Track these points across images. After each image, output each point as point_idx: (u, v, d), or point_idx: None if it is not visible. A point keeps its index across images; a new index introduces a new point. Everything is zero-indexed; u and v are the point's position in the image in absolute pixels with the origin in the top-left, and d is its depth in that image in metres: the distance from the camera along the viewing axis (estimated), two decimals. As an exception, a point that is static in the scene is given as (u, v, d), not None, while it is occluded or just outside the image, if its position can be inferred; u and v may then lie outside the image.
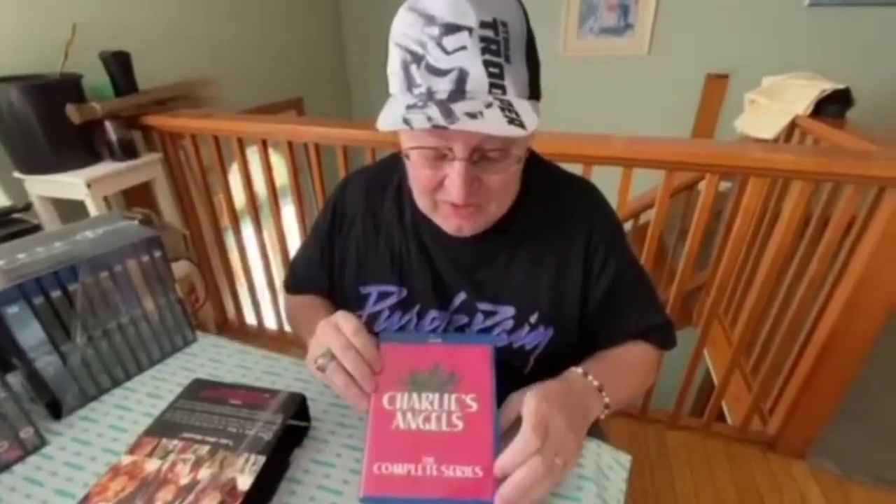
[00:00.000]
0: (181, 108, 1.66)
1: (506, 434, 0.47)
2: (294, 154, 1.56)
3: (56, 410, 0.56)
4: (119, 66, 1.52)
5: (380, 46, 0.50)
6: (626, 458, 0.56)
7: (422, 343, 0.55)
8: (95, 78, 1.49)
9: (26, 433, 0.51)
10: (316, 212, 0.83)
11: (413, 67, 0.45)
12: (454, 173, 0.49)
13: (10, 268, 0.52)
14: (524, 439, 0.43)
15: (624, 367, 0.63)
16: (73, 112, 1.36)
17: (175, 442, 0.46)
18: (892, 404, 1.69)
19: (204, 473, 0.43)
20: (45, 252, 0.55)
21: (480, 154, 0.48)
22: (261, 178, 1.66)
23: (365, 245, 0.66)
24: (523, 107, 0.45)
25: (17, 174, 1.41)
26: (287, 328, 2.02)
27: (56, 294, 0.53)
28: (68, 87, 1.39)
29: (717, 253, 1.99)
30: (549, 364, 0.63)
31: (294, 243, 1.75)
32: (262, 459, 0.44)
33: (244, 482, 0.42)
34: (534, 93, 0.48)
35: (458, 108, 0.43)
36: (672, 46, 2.56)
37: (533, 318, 0.61)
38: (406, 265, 0.64)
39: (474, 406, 0.49)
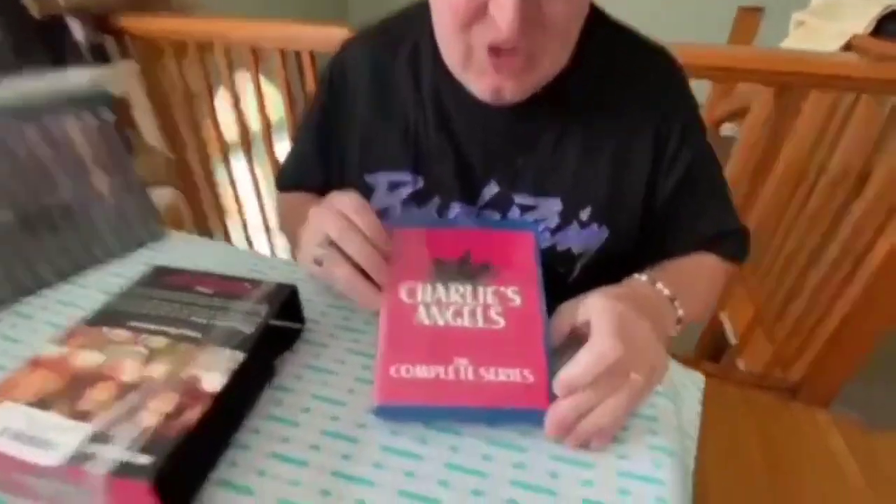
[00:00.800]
0: (157, 10, 1.46)
1: (559, 353, 0.36)
2: (288, 68, 1.38)
3: (-20, 303, 0.44)
4: (83, -45, 1.32)
5: None
6: (699, 377, 0.45)
7: (445, 228, 0.42)
8: (56, -33, 1.29)
9: (-67, 325, 0.39)
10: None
11: None
12: None
13: None
14: (600, 345, 0.31)
15: (695, 278, 0.51)
16: (31, 3, 1.18)
17: (121, 331, 0.34)
18: (919, 356, 1.61)
19: (157, 370, 0.31)
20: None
21: None
22: (254, 108, 1.49)
23: (371, 123, 0.53)
24: None
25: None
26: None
27: (-38, 146, 0.39)
28: (24, -25, 1.20)
29: (744, 200, 1.86)
30: (599, 273, 0.51)
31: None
32: (239, 356, 0.33)
33: (212, 382, 0.30)
34: None
35: None
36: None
37: (584, 215, 0.49)
38: (423, 147, 0.51)
39: (517, 300, 0.37)
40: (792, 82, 0.99)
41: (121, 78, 1.38)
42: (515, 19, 0.35)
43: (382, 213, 0.53)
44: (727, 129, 2.05)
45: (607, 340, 0.31)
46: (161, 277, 0.40)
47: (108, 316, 0.36)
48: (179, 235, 0.58)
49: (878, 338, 1.29)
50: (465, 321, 0.36)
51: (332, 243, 0.37)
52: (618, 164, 0.48)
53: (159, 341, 0.33)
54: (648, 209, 0.50)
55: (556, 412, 0.32)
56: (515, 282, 0.38)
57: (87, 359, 0.32)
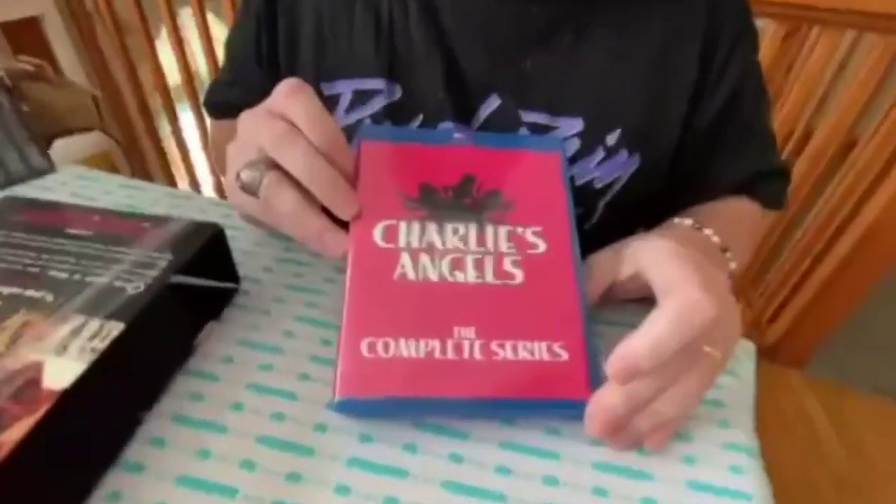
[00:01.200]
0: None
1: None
2: (236, 2, 1.18)
3: None
4: None
5: None
6: (749, 346, 0.36)
7: (437, 143, 0.30)
8: None
9: None
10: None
11: None
12: None
13: None
14: (686, 302, 0.21)
15: (740, 225, 0.42)
16: None
17: (-82, 294, 0.21)
18: (890, 316, 1.65)
19: (-33, 354, 0.19)
20: None
21: None
22: (200, 51, 1.28)
23: (330, 13, 0.39)
24: None
25: None
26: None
27: None
28: None
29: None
30: (624, 216, 0.41)
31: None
32: (114, 329, 0.20)
33: (62, 372, 0.18)
34: None
35: None
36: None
37: (611, 139, 0.38)
38: (400, 44, 0.38)
39: (540, 245, 0.27)
40: (803, 16, 0.90)
41: (28, -4, 1.15)
42: None
43: (347, 133, 0.40)
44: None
45: (694, 293, 0.21)
46: (13, 213, 0.27)
47: None
48: (78, 170, 0.44)
49: (858, 300, 1.28)
50: (469, 275, 0.25)
51: (270, 163, 0.25)
52: (657, 72, 0.37)
53: (-16, 307, 0.21)
54: (689, 133, 0.40)
55: (603, 404, 0.22)
56: (537, 219, 0.27)
57: None
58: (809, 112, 1.19)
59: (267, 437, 0.23)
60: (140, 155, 1.64)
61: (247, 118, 0.27)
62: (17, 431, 0.16)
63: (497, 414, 0.24)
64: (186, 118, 1.50)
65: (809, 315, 1.34)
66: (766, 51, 0.94)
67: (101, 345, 0.20)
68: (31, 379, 0.18)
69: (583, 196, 0.39)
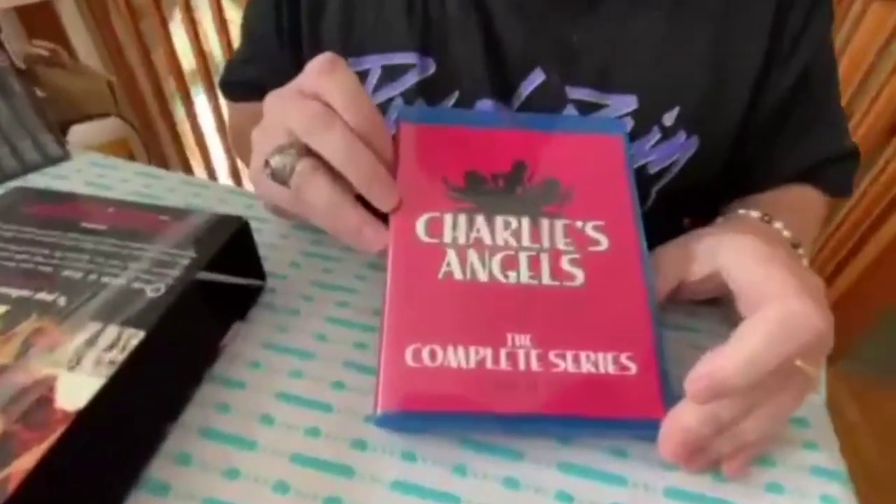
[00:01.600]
0: None
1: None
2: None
3: None
4: None
5: None
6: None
7: (484, 126, 0.27)
8: None
9: None
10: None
11: None
12: None
13: None
14: (786, 311, 0.18)
15: (806, 218, 0.39)
16: None
17: (-78, 296, 0.19)
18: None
19: (-25, 366, 0.17)
20: None
21: None
22: (214, 35, 1.24)
23: None
24: None
25: None
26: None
27: None
28: None
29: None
30: (679, 202, 0.38)
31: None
32: (133, 337, 0.18)
33: (76, 391, 0.16)
34: None
35: None
36: None
37: (669, 119, 0.34)
38: (435, 17, 0.35)
39: (603, 242, 0.24)
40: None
41: (42, -21, 1.13)
42: None
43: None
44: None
45: (797, 304, 0.18)
46: (25, 205, 0.25)
47: (-89, 267, 0.21)
48: (94, 157, 0.42)
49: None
50: (523, 275, 0.22)
51: (303, 148, 0.22)
52: (721, 43, 0.34)
53: (-8, 312, 0.19)
54: (750, 115, 0.36)
55: (680, 423, 0.19)
56: (598, 212, 0.24)
57: None
58: (851, 91, 1.12)
59: (300, 456, 0.21)
60: (156, 140, 1.63)
61: (274, 99, 0.24)
62: (29, 460, 0.14)
63: (556, 433, 0.22)
64: (200, 101, 1.48)
65: (844, 306, 1.29)
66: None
67: (119, 356, 0.17)
68: (42, 397, 0.16)
69: (637, 180, 0.36)
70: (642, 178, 0.36)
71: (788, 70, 0.35)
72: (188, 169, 1.67)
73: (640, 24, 0.33)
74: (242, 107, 0.45)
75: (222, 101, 1.43)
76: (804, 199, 0.40)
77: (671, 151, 0.35)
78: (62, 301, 0.19)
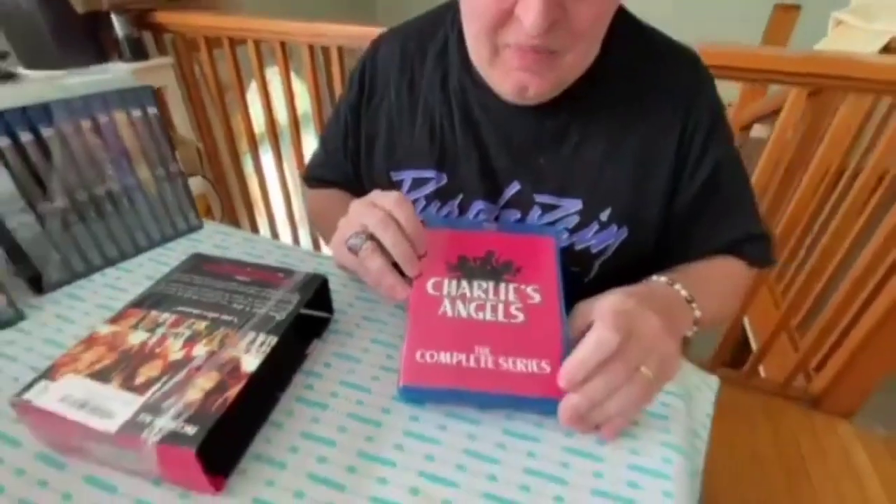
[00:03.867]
0: (193, 7, 1.51)
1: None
2: (315, 63, 1.41)
3: (37, 284, 0.47)
4: (126, -47, 1.37)
5: None
6: (714, 380, 0.46)
7: (472, 229, 0.44)
8: (100, -35, 1.34)
9: (-2, 302, 0.43)
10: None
11: None
12: None
13: (-30, 103, 0.42)
14: (597, 335, 0.32)
15: (716, 281, 0.51)
16: (76, 0, 1.24)
17: (167, 315, 0.37)
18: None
19: (199, 350, 0.34)
20: (17, 92, 0.45)
21: None
22: (281, 102, 1.52)
23: (399, 119, 0.54)
24: None
25: (21, 70, 1.31)
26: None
27: (27, 138, 0.43)
28: (71, -28, 1.25)
29: (769, 205, 1.82)
30: (617, 272, 0.51)
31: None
32: (272, 340, 0.35)
33: (250, 363, 0.33)
34: None
35: None
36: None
37: (604, 215, 0.50)
38: (448, 145, 0.52)
39: (537, 297, 0.39)
40: (826, 85, 0.97)
41: (157, 71, 1.44)
42: (540, 21, 0.36)
43: None
44: (758, 130, 2.01)
45: (604, 332, 0.32)
46: (201, 265, 0.43)
47: (155, 299, 0.39)
48: (215, 226, 0.61)
49: (908, 349, 1.25)
50: (487, 315, 0.38)
51: (370, 235, 0.39)
52: (641, 164, 0.49)
53: (200, 324, 0.36)
54: (670, 210, 0.50)
55: (568, 400, 0.33)
56: (536, 281, 0.40)
57: (137, 338, 0.35)
58: (844, 155, 1.22)
59: (353, 414, 0.36)
60: (227, 192, 1.91)
61: (357, 205, 0.41)
62: (234, 391, 0.31)
63: (501, 405, 0.36)
64: (266, 159, 1.75)
65: (857, 362, 1.32)
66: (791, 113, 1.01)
67: (266, 349, 0.34)
68: (235, 366, 0.33)
69: (582, 258, 0.51)
70: (587, 256, 0.51)
71: (693, 181, 0.49)
72: (252, 217, 1.93)
73: (585, 153, 0.49)
74: (316, 191, 0.65)
75: (284, 158, 1.69)
76: (721, 268, 0.52)
77: (607, 238, 0.50)
78: (235, 321, 0.37)
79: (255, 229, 1.96)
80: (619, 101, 0.48)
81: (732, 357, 1.75)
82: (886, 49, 1.39)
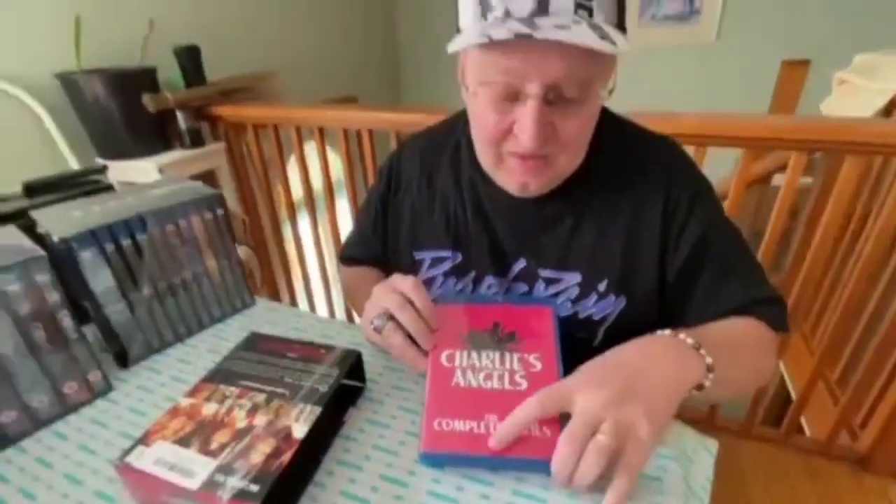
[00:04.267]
0: (244, 100, 1.73)
1: None
2: (348, 143, 1.58)
3: (123, 359, 0.57)
4: (189, 59, 1.61)
5: (430, 48, 0.47)
6: (712, 444, 0.49)
7: (479, 304, 0.51)
8: (168, 70, 1.58)
9: (95, 377, 0.52)
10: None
11: None
12: (525, 115, 0.45)
13: (85, 217, 0.53)
14: (538, 400, 0.39)
15: (728, 333, 0.51)
16: (148, 101, 1.45)
17: (232, 388, 0.45)
18: None
19: (260, 419, 0.41)
20: (118, 205, 0.57)
21: (556, 93, 0.44)
22: (317, 171, 1.69)
23: (419, 209, 0.64)
24: (612, 30, 0.41)
25: (98, 160, 1.52)
26: (338, 315, 2.05)
27: (126, 243, 0.54)
28: (145, 79, 1.48)
29: (797, 252, 1.82)
30: (624, 338, 0.57)
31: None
32: (317, 410, 0.42)
33: (299, 430, 0.40)
34: (621, 22, 0.44)
35: (543, 21, 0.39)
36: (744, 32, 2.39)
37: (601, 286, 0.56)
38: (462, 230, 0.61)
39: (538, 365, 0.45)
40: (823, 148, 1.03)
41: (212, 155, 1.63)
42: (534, 140, 0.45)
43: (428, 283, 0.63)
44: (779, 179, 2.04)
45: (558, 386, 0.39)
46: (257, 342, 0.52)
47: (223, 375, 0.47)
48: (263, 303, 0.71)
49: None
50: (494, 384, 0.44)
51: (390, 316, 0.47)
52: (630, 241, 0.55)
53: (259, 397, 0.44)
54: (664, 281, 0.56)
55: (553, 462, 0.37)
56: (537, 349, 0.46)
57: (210, 409, 0.43)
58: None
59: (384, 475, 0.42)
60: (267, 257, 2.06)
61: (379, 289, 0.50)
62: (287, 455, 0.38)
63: (509, 466, 0.41)
64: (303, 225, 1.90)
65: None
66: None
67: (312, 417, 0.41)
68: (287, 433, 0.40)
69: (585, 326, 0.57)
70: (590, 323, 0.57)
71: (679, 252, 0.54)
72: (289, 279, 2.05)
73: (580, 233, 0.56)
74: (349, 269, 0.75)
75: (319, 223, 1.82)
76: (735, 323, 0.52)
77: (606, 307, 0.56)
78: (287, 393, 0.44)
79: (290, 289, 2.09)
80: (607, 189, 0.56)
81: (778, 415, 1.69)
82: (890, 105, 1.44)
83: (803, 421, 1.60)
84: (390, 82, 3.21)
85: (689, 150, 1.08)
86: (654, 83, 2.62)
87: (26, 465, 0.45)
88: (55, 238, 0.49)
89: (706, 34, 2.44)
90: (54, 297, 0.47)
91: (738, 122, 1.04)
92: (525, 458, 0.40)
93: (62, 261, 0.49)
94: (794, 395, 1.69)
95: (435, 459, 0.42)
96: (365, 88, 2.85)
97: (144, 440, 0.39)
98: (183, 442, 0.39)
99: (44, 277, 0.46)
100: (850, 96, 1.53)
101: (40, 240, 0.51)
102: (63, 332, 0.48)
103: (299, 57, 2.34)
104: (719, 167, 1.09)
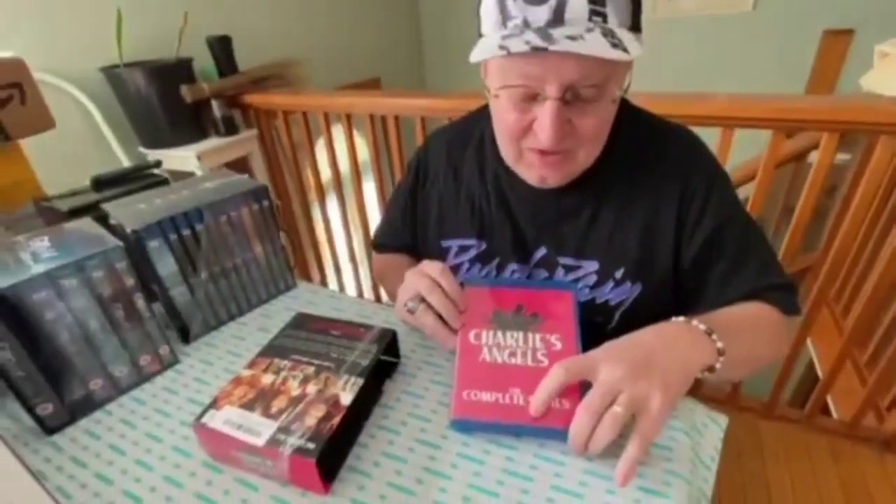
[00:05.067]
0: (273, 87, 1.78)
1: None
2: (375, 128, 1.61)
3: (185, 335, 0.64)
4: (222, 49, 1.67)
5: (454, 29, 0.50)
6: (722, 419, 0.53)
7: (504, 286, 0.56)
8: (201, 61, 1.64)
9: (164, 350, 0.59)
10: (394, 187, 0.86)
11: (508, 0, 0.45)
12: (544, 114, 0.48)
13: (150, 210, 0.60)
14: (555, 373, 0.43)
15: (740, 318, 0.54)
16: (186, 92, 1.52)
17: (286, 362, 0.51)
18: None
19: (311, 388, 0.47)
20: (176, 198, 0.63)
21: (573, 93, 0.47)
22: (345, 155, 1.75)
23: (446, 200, 0.68)
24: (626, 35, 0.43)
25: (141, 149, 1.61)
26: (366, 295, 2.13)
27: (186, 233, 0.60)
28: (182, 70, 1.55)
29: (830, 231, 1.77)
30: (638, 321, 0.60)
31: (374, 218, 1.82)
32: (360, 381, 0.48)
33: (346, 398, 0.46)
34: (636, 24, 0.46)
35: (558, 32, 0.42)
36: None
37: (618, 274, 0.59)
38: (486, 219, 0.65)
39: (559, 345, 0.49)
40: (855, 129, 1.01)
41: (245, 142, 1.70)
42: (552, 138, 0.48)
43: (455, 270, 0.67)
44: (815, 155, 1.98)
45: (582, 357, 0.44)
46: (304, 322, 0.58)
47: (275, 350, 0.53)
48: (303, 285, 0.77)
49: None
50: (518, 360, 0.49)
51: (422, 298, 0.52)
52: (647, 229, 0.58)
53: (309, 369, 0.50)
54: (679, 268, 0.59)
55: (571, 429, 0.42)
56: (558, 330, 0.50)
57: (268, 379, 0.49)
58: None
59: (418, 439, 0.48)
60: (299, 240, 2.15)
61: (411, 274, 0.55)
62: (337, 419, 0.43)
63: (530, 434, 0.46)
64: (332, 205, 1.97)
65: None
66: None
67: (356, 388, 0.47)
68: (336, 400, 0.46)
69: (602, 311, 0.60)
70: (607, 308, 0.60)
71: (694, 240, 0.56)
72: (319, 259, 2.14)
73: (598, 223, 0.59)
74: (380, 256, 0.80)
75: (347, 204, 1.89)
76: (747, 308, 0.55)
77: (622, 293, 0.59)
78: (333, 366, 0.50)
79: (321, 270, 2.18)
80: (624, 180, 0.58)
81: (805, 397, 1.69)
82: (936, 79, 1.37)
83: (830, 402, 1.60)
84: (414, 64, 3.21)
85: (717, 131, 1.09)
86: (685, 57, 2.54)
87: (113, 425, 0.52)
88: (128, 230, 0.56)
89: (742, 2, 2.34)
90: (130, 281, 0.54)
91: (769, 103, 1.02)
92: (546, 426, 0.44)
93: (133, 249, 0.56)
94: (821, 375, 1.68)
95: (464, 425, 0.47)
96: (388, 71, 2.87)
97: (215, 405, 0.46)
98: (247, 406, 0.45)
99: (122, 264, 0.52)
100: (892, 70, 1.46)
101: (112, 230, 0.57)
102: (138, 312, 0.55)
103: (323, 42, 2.37)
104: (750, 146, 1.08)
